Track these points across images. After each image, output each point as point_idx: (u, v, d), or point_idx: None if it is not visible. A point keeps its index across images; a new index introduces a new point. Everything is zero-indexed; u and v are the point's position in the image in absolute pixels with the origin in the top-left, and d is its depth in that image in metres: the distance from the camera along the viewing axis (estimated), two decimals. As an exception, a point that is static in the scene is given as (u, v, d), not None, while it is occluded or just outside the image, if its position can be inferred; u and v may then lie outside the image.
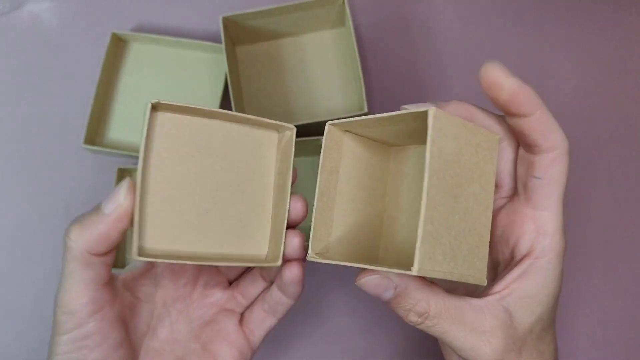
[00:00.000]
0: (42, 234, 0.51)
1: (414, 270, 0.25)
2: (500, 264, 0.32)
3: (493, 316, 0.29)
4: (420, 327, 0.29)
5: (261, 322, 0.35)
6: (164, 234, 0.30)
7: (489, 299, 0.29)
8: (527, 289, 0.29)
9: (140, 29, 0.54)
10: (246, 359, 0.34)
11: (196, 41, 0.51)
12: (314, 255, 0.31)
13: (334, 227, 0.33)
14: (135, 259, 0.28)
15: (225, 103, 0.51)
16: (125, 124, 0.52)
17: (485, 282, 0.29)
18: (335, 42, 0.52)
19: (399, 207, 0.35)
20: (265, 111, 0.51)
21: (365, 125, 0.32)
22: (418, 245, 0.25)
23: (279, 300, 0.34)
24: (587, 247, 0.49)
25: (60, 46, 0.54)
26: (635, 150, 0.50)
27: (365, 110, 0.45)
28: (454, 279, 0.27)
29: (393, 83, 0.52)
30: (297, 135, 0.47)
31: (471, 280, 0.28)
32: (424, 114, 0.27)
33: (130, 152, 0.49)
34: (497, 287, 0.30)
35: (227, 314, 0.35)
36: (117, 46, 0.52)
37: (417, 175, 0.34)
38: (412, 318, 0.29)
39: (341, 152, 0.33)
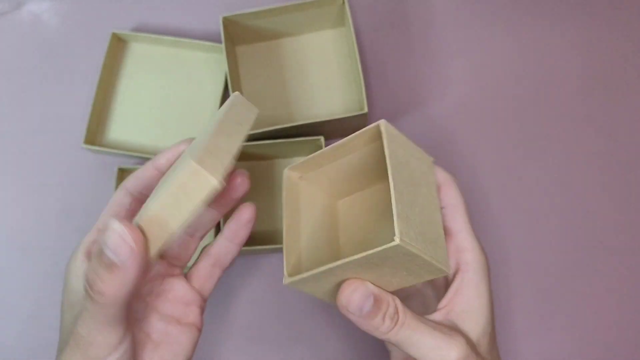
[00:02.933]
0: (42, 234, 0.51)
1: (397, 239, 0.26)
2: (438, 288, 0.37)
3: (448, 328, 0.31)
4: (389, 335, 0.30)
5: (210, 276, 0.36)
6: None
7: (436, 314, 0.32)
8: (464, 302, 0.32)
9: (140, 29, 0.54)
10: (204, 310, 0.36)
11: (196, 41, 0.51)
12: (289, 278, 0.31)
13: (302, 256, 0.34)
14: None
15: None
16: (125, 124, 0.52)
17: (449, 271, 0.31)
18: (335, 42, 0.52)
19: (352, 235, 0.37)
20: (265, 111, 0.51)
21: (323, 159, 0.35)
22: (395, 219, 0.27)
23: (227, 249, 0.36)
24: (588, 246, 0.49)
25: (60, 46, 0.54)
26: (636, 149, 0.50)
27: (365, 110, 0.45)
28: (427, 257, 0.28)
29: (393, 83, 0.52)
30: (297, 136, 0.47)
31: (438, 266, 0.29)
32: (375, 132, 0.31)
33: (131, 152, 0.49)
34: (440, 304, 0.33)
35: (175, 279, 0.36)
36: (117, 46, 0.52)
37: (367, 211, 0.37)
38: (387, 323, 0.30)
39: (299, 195, 0.36)
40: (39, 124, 0.53)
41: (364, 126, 0.50)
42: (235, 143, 0.30)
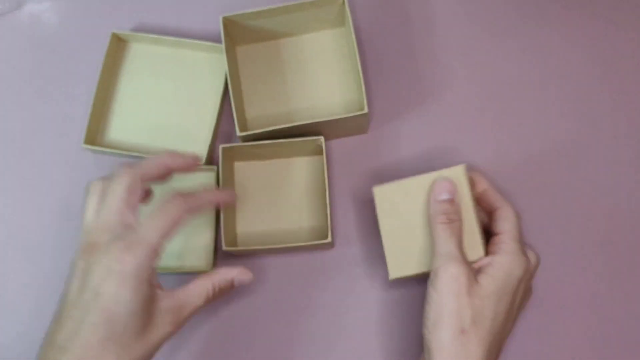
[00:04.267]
0: (42, 234, 0.51)
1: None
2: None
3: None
4: (446, 226, 0.40)
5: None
6: None
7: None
8: (496, 260, 0.40)
9: (140, 29, 0.54)
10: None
11: (196, 41, 0.51)
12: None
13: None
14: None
15: (225, 103, 0.51)
16: (125, 124, 0.52)
17: None
18: (335, 42, 0.52)
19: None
20: (265, 111, 0.51)
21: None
22: None
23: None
24: (587, 247, 0.49)
25: (60, 46, 0.54)
26: (636, 149, 0.50)
27: (366, 110, 0.45)
28: None
29: (393, 83, 0.52)
30: (297, 136, 0.47)
31: None
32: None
33: (131, 152, 0.49)
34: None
35: None
36: (117, 46, 0.52)
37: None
38: (450, 217, 0.40)
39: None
40: (39, 124, 0.53)
41: (364, 126, 0.50)
42: None
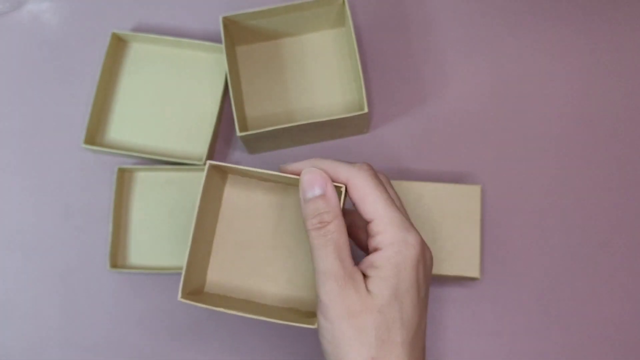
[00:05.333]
0: (42, 234, 0.51)
1: None
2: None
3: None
4: (318, 231, 0.33)
5: None
6: None
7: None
8: (379, 257, 0.33)
9: (140, 29, 0.54)
10: None
11: (196, 41, 0.51)
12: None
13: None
14: None
15: (225, 103, 0.51)
16: (125, 124, 0.52)
17: None
18: (335, 42, 0.52)
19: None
20: (265, 111, 0.51)
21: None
22: None
23: None
24: (587, 247, 0.49)
25: (60, 46, 0.54)
26: (634, 152, 0.50)
27: (366, 110, 0.45)
28: None
29: (393, 83, 0.52)
30: (297, 135, 0.47)
31: None
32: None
33: (130, 152, 0.49)
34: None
35: None
36: (117, 46, 0.52)
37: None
38: (322, 218, 0.33)
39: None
40: (39, 124, 0.53)
41: (364, 126, 0.50)
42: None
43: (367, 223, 0.34)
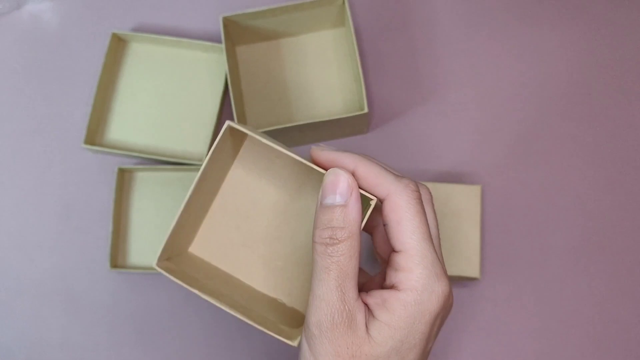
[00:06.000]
0: (42, 234, 0.51)
1: None
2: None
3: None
4: (324, 248, 0.27)
5: None
6: None
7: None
8: (395, 299, 0.27)
9: (140, 29, 0.54)
10: None
11: (196, 41, 0.51)
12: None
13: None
14: None
15: (225, 103, 0.51)
16: (125, 124, 0.52)
17: None
18: (335, 42, 0.52)
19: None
20: (265, 111, 0.51)
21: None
22: None
23: None
24: (587, 247, 0.49)
25: (60, 46, 0.54)
26: (634, 151, 0.50)
27: (366, 110, 0.45)
28: None
29: (393, 83, 0.52)
30: (298, 136, 0.47)
31: None
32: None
33: (131, 152, 0.49)
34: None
35: None
36: (117, 46, 0.52)
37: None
38: (334, 234, 0.27)
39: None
40: (39, 124, 0.53)
41: (364, 126, 0.50)
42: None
43: (390, 247, 0.29)
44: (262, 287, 0.35)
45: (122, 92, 0.52)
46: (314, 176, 0.34)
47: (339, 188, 0.27)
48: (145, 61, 0.53)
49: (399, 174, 0.30)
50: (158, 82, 0.52)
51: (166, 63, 0.53)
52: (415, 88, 0.52)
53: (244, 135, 0.34)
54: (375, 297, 0.28)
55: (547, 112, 0.51)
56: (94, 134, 0.51)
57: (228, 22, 0.48)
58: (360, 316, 0.27)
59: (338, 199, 0.27)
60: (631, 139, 0.51)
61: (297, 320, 0.33)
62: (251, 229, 0.35)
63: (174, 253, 0.33)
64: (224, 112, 0.51)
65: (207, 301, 0.30)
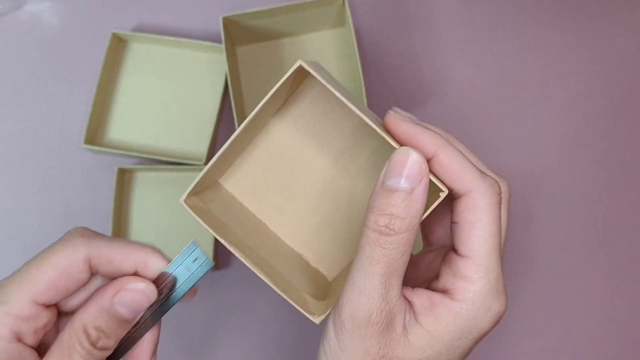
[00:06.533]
0: (42, 234, 0.51)
1: None
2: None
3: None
4: (377, 236, 0.24)
5: None
6: None
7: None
8: (446, 308, 0.25)
9: (140, 29, 0.54)
10: None
11: (196, 41, 0.51)
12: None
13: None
14: None
15: (225, 103, 0.51)
16: (125, 124, 0.52)
17: None
18: (335, 42, 0.52)
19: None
20: (265, 111, 0.51)
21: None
22: None
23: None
24: (588, 247, 0.49)
25: (60, 46, 0.54)
26: (634, 151, 0.50)
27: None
28: None
29: (393, 83, 0.52)
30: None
31: None
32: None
33: (130, 152, 0.49)
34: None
35: None
36: (117, 46, 0.52)
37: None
38: (391, 223, 0.24)
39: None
40: (39, 124, 0.53)
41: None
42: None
43: (445, 238, 0.27)
44: (289, 239, 0.33)
45: (122, 92, 0.52)
46: (372, 139, 0.30)
47: (409, 170, 0.23)
48: (145, 61, 0.53)
49: (482, 168, 0.26)
50: (158, 82, 0.52)
51: (166, 63, 0.53)
52: (415, 88, 0.52)
53: (302, 80, 0.31)
54: (421, 298, 0.25)
55: (547, 111, 0.51)
56: (94, 134, 0.51)
57: (228, 22, 0.48)
58: (399, 316, 0.24)
59: (403, 184, 0.23)
60: (632, 139, 0.51)
61: (318, 284, 0.31)
62: (292, 178, 0.32)
63: (204, 185, 0.30)
64: (224, 112, 0.51)
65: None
